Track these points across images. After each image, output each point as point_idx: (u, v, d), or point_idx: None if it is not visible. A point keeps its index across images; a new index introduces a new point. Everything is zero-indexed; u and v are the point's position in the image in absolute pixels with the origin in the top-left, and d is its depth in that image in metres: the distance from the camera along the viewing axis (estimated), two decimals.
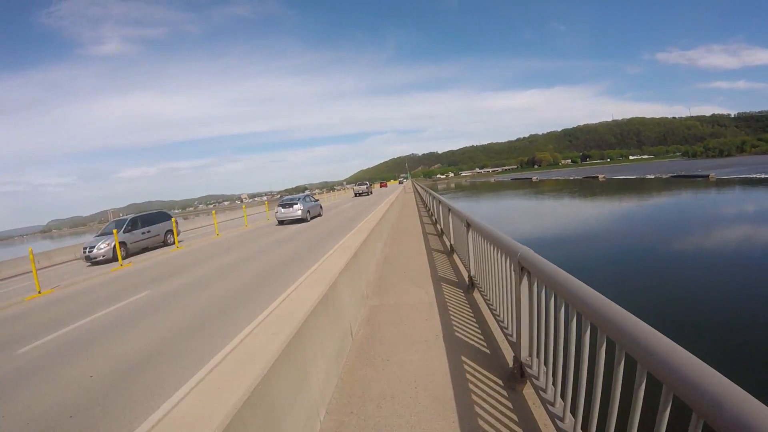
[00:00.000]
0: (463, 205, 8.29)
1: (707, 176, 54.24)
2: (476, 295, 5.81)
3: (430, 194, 18.86)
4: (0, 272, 18.36)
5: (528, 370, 3.06)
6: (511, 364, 3.57)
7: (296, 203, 25.08)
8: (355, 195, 57.46)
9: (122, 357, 5.89)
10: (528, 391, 3.22)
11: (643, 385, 1.54)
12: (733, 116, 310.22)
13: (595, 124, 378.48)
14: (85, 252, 17.45)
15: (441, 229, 12.38)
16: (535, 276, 2.79)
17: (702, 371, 1.25)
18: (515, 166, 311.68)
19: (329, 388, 3.53)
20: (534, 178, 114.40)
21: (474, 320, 4.91)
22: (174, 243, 20.21)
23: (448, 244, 9.94)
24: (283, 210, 24.91)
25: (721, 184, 45.84)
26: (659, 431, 1.45)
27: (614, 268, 15.58)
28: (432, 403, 3.26)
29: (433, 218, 16.15)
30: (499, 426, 2.85)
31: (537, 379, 2.88)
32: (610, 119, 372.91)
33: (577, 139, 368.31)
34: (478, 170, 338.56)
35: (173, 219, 20.75)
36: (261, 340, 2.75)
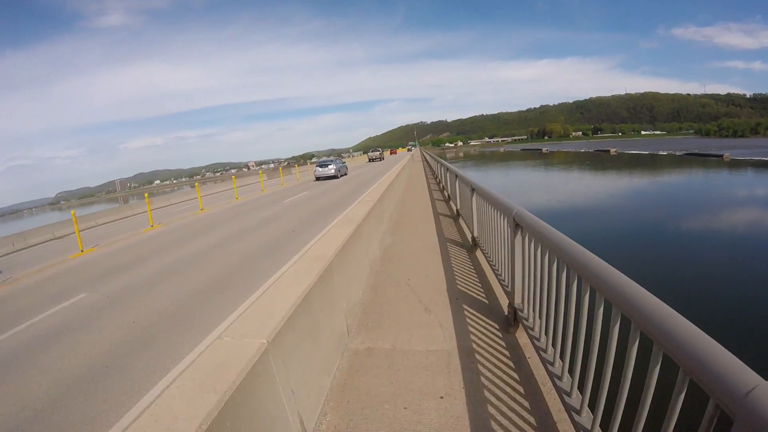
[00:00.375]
0: (472, 175, 8.49)
1: (721, 156, 52.65)
2: (478, 254, 6.25)
3: (439, 163, 19.25)
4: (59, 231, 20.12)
5: (520, 313, 3.52)
6: (506, 311, 4.02)
7: (330, 164, 31.92)
8: (369, 160, 64.00)
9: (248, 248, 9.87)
10: (520, 334, 3.69)
11: (618, 325, 1.82)
12: (748, 96, 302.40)
13: (608, 97, 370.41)
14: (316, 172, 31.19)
15: (448, 194, 12.83)
16: (527, 231, 3.20)
17: (658, 305, 1.47)
18: (525, 137, 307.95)
19: (359, 298, 4.82)
20: (544, 150, 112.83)
21: (475, 275, 5.37)
22: (345, 174, 33.19)
23: (454, 208, 10.37)
24: (320, 169, 31.65)
25: (736, 164, 44.89)
26: (629, 358, 1.70)
27: (629, 245, 15.51)
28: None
29: (441, 185, 16.65)
30: (494, 360, 3.32)
31: (527, 320, 3.33)
32: (622, 93, 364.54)
33: (589, 112, 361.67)
34: (487, 140, 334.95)
35: (345, 161, 36.39)
36: (305, 266, 3.53)
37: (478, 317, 4.12)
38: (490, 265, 4.95)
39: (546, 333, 2.87)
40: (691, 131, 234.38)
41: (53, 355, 5.21)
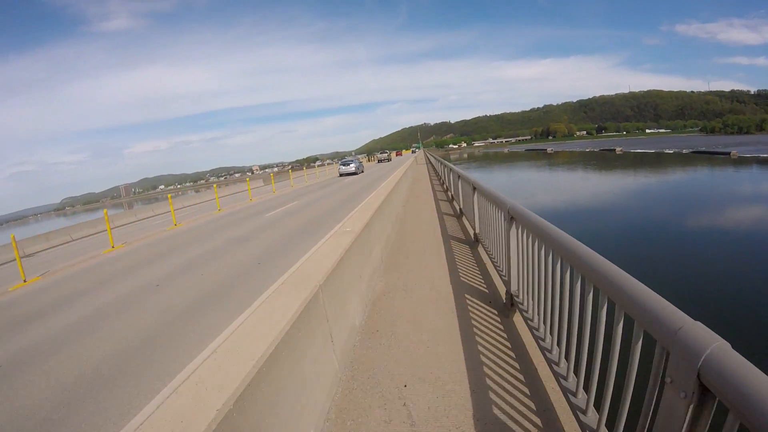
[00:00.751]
0: (477, 176, 8.50)
1: (728, 153, 52.24)
2: (480, 249, 6.60)
3: (442, 164, 19.65)
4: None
5: (515, 299, 3.87)
6: (504, 298, 4.37)
7: (351, 163, 39.98)
8: (378, 161, 71.89)
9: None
10: (517, 318, 4.04)
11: (605, 308, 1.99)
12: (752, 93, 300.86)
13: (611, 95, 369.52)
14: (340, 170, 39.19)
15: (452, 195, 13.19)
16: (520, 223, 3.56)
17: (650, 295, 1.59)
18: (529, 137, 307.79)
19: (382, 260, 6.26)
20: (549, 150, 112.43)
21: (476, 268, 5.75)
22: (360, 171, 40.34)
23: (458, 207, 10.73)
24: (343, 167, 39.54)
25: (744, 162, 44.45)
26: (615, 338, 1.87)
27: (645, 246, 15.11)
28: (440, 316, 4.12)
29: (445, 186, 17.02)
30: (492, 341, 3.67)
31: (522, 304, 3.68)
32: (626, 91, 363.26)
33: (593, 111, 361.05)
34: (491, 140, 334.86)
35: (361, 159, 48.84)
36: (337, 239, 4.58)
37: (478, 304, 4.47)
38: (490, 258, 5.32)
39: (538, 314, 3.21)
40: (695, 129, 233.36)
41: None
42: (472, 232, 7.43)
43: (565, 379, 2.56)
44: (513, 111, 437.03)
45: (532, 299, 3.36)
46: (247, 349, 2.10)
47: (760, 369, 1.11)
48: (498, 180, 46.56)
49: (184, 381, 1.87)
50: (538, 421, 2.60)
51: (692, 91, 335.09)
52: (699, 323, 1.35)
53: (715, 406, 1.26)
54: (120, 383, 4.29)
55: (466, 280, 5.29)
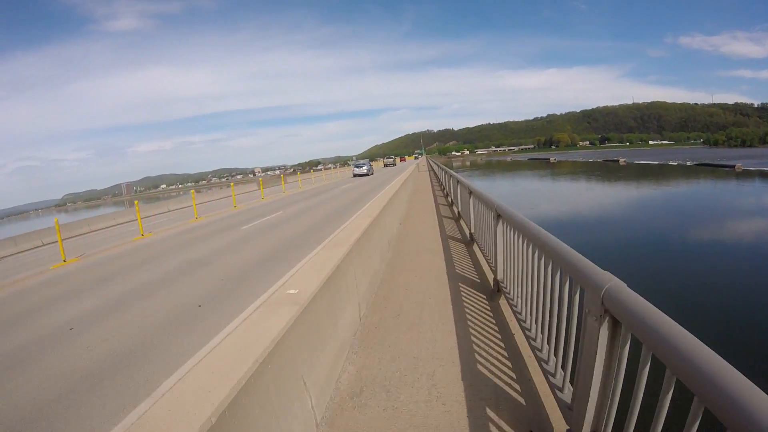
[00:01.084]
0: (480, 184, 8.57)
1: (733, 166, 51.37)
2: (474, 247, 7.27)
3: (444, 171, 20.33)
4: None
5: (501, 284, 4.53)
6: (492, 284, 5.02)
7: (364, 165, 44.52)
8: (385, 166, 77.86)
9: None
10: (502, 301, 4.68)
11: (578, 294, 2.39)
12: (756, 106, 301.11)
13: (615, 106, 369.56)
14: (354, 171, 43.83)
15: (451, 199, 13.89)
16: (505, 220, 4.24)
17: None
18: (532, 146, 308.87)
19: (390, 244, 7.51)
20: (552, 159, 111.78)
21: (471, 262, 6.42)
22: (371, 173, 44.69)
23: (456, 211, 11.42)
24: (356, 169, 44.12)
25: (749, 175, 44.17)
26: (572, 308, 2.49)
27: (653, 259, 14.96)
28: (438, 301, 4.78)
29: (445, 191, 17.73)
30: (480, 320, 4.32)
31: (506, 289, 4.33)
32: (630, 102, 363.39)
33: (596, 121, 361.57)
34: (494, 149, 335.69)
35: (372, 163, 53.70)
36: (353, 226, 4.85)
37: (470, 290, 5.13)
38: (482, 253, 6.00)
39: (520, 297, 3.86)
40: (699, 141, 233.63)
41: None
42: (468, 232, 8.09)
43: (540, 351, 3.17)
44: (516, 120, 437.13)
45: (515, 285, 4.01)
46: None
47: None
48: (500, 189, 46.19)
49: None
50: (514, 375, 3.25)
51: (696, 104, 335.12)
52: (606, 272, 2.01)
53: (613, 324, 1.89)
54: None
55: (460, 272, 5.95)
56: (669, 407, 1.51)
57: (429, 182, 27.07)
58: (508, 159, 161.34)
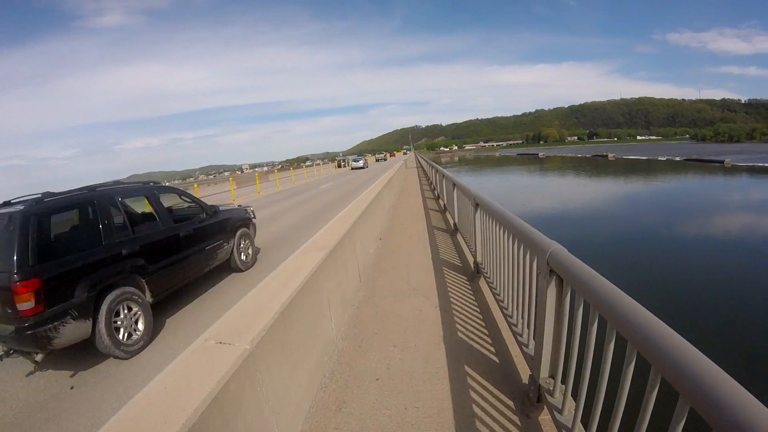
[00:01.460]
0: (467, 180, 8.91)
1: (722, 162, 51.77)
2: (459, 237, 7.76)
3: (432, 167, 20.72)
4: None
5: (480, 266, 5.02)
6: (473, 267, 5.51)
7: (360, 160, 56.10)
8: (377, 161, 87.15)
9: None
10: (482, 282, 5.18)
11: (535, 262, 3.27)
12: (743, 102, 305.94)
13: (603, 101, 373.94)
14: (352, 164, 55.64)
15: (438, 193, 14.37)
16: (482, 208, 4.71)
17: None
18: (521, 141, 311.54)
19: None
20: (541, 154, 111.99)
21: (454, 249, 6.91)
22: (366, 167, 53.47)
23: (442, 204, 11.91)
24: (354, 163, 55.35)
25: (738, 170, 44.31)
26: (532, 276, 3.21)
27: (647, 254, 14.69)
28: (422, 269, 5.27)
29: (432, 185, 18.19)
30: (459, 296, 4.82)
31: (484, 270, 4.82)
32: (618, 98, 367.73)
33: (585, 117, 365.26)
34: (482, 144, 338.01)
35: (365, 158, 72.91)
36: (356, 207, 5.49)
37: (453, 273, 5.62)
38: (465, 242, 6.48)
39: (495, 275, 4.34)
40: (686, 136, 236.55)
41: None
42: (452, 223, 8.57)
43: (516, 325, 3.63)
44: (505, 115, 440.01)
45: (491, 266, 4.47)
46: None
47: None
48: (490, 185, 43.20)
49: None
50: (489, 340, 3.74)
51: (683, 99, 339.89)
52: (552, 240, 2.48)
53: (558, 282, 2.36)
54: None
55: (444, 257, 6.43)
56: (613, 355, 1.73)
57: (418, 182, 27.37)
58: (497, 154, 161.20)
